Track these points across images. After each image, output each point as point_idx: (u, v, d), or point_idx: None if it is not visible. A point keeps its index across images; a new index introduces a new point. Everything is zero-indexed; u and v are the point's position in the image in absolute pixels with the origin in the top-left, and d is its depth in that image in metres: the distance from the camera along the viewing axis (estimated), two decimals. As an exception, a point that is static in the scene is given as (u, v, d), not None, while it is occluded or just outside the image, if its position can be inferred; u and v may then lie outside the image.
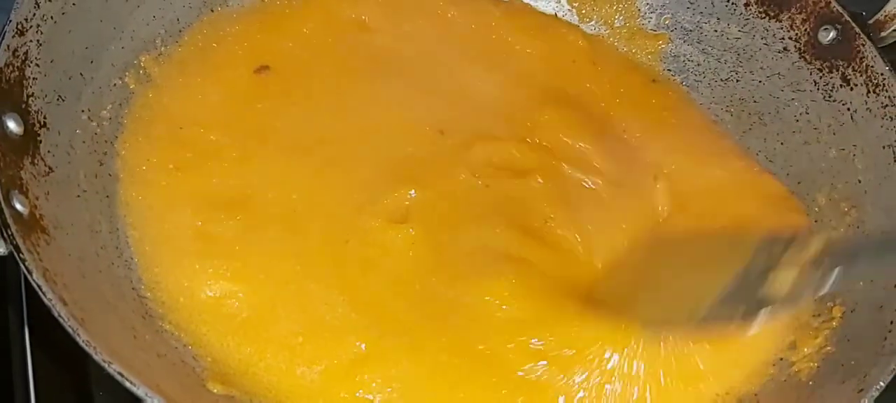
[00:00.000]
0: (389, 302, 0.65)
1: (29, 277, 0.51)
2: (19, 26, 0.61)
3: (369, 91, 0.77)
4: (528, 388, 0.62)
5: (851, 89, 0.75)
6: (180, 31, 0.77)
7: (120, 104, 0.71)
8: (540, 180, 0.73)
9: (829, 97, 0.77)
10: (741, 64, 0.84)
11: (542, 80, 0.82)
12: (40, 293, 0.51)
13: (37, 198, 0.58)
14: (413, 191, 0.70)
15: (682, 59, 0.87)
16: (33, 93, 0.61)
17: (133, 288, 0.62)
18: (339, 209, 0.69)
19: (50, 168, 0.61)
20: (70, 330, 0.50)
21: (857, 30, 0.75)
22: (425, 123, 0.76)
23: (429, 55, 0.81)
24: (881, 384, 0.57)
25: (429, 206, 0.70)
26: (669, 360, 0.65)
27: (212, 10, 0.80)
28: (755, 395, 0.65)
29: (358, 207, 0.69)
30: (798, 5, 0.79)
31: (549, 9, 0.90)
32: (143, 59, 0.73)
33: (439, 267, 0.67)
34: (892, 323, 0.62)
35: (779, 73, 0.81)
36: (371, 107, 0.76)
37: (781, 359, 0.66)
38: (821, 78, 0.78)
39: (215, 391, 0.58)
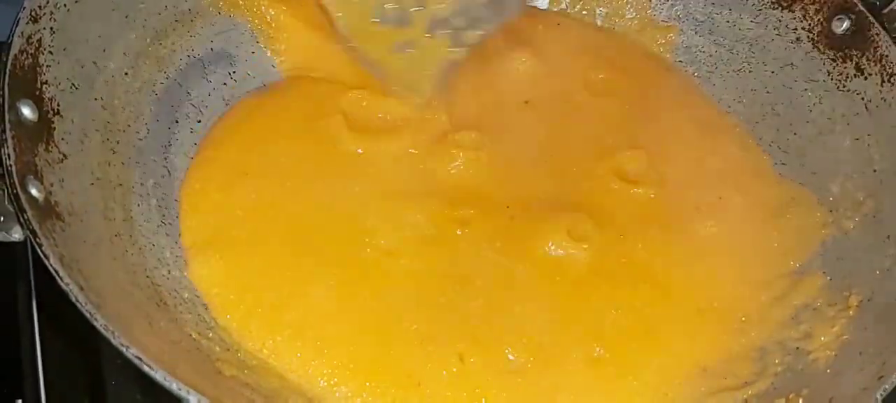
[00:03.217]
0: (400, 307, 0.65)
1: (46, 262, 0.51)
2: (33, 13, 0.61)
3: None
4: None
5: (865, 79, 0.75)
6: (193, 20, 0.77)
7: (132, 93, 0.70)
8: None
9: (843, 87, 0.77)
10: (754, 54, 0.84)
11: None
12: (57, 277, 0.50)
13: (51, 185, 0.58)
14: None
15: (693, 50, 0.87)
16: (47, 80, 0.61)
17: (147, 276, 0.62)
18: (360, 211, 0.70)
19: (64, 155, 0.61)
20: (87, 315, 0.49)
21: (872, 19, 0.75)
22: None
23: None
24: (901, 371, 0.56)
25: None
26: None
27: (225, -1, 0.80)
28: (772, 385, 0.64)
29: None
30: (811, -5, 0.79)
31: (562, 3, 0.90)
32: (156, 48, 0.73)
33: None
34: (909, 310, 0.62)
35: (792, 64, 0.81)
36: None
37: (798, 348, 0.66)
38: (834, 68, 0.77)
39: (229, 375, 0.58)
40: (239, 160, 0.72)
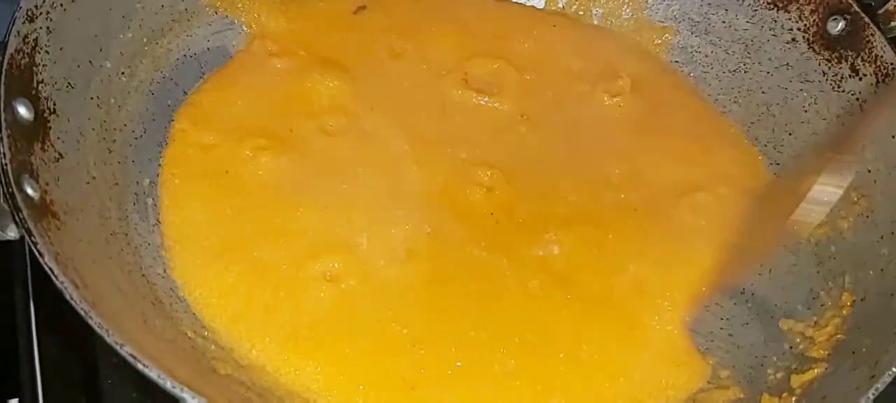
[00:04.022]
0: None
1: (40, 260, 0.51)
2: (29, 12, 0.61)
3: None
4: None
5: (860, 80, 0.75)
6: (190, 19, 0.77)
7: (129, 93, 0.71)
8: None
9: (838, 87, 0.77)
10: (749, 55, 0.84)
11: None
12: (52, 276, 0.51)
13: (47, 184, 0.58)
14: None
15: (689, 50, 0.87)
16: (43, 79, 0.61)
17: (143, 275, 0.62)
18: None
19: (60, 154, 0.61)
20: (82, 313, 0.50)
21: (867, 20, 0.75)
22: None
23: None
24: (893, 370, 0.56)
25: None
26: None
27: (221, 1, 0.80)
28: (766, 384, 0.64)
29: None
30: (806, -5, 0.79)
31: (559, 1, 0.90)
32: (152, 47, 0.73)
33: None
34: (903, 309, 0.62)
35: (787, 64, 0.81)
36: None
37: (791, 348, 0.66)
38: (830, 68, 0.78)
39: (225, 374, 0.58)
40: (218, 156, 0.72)
